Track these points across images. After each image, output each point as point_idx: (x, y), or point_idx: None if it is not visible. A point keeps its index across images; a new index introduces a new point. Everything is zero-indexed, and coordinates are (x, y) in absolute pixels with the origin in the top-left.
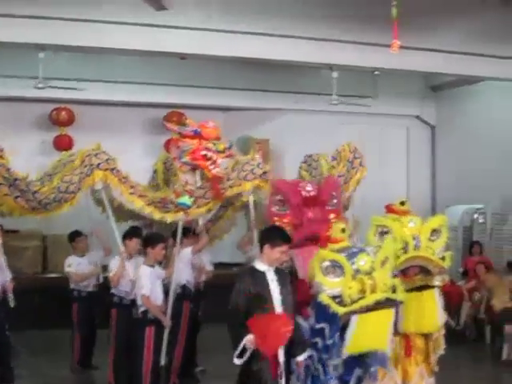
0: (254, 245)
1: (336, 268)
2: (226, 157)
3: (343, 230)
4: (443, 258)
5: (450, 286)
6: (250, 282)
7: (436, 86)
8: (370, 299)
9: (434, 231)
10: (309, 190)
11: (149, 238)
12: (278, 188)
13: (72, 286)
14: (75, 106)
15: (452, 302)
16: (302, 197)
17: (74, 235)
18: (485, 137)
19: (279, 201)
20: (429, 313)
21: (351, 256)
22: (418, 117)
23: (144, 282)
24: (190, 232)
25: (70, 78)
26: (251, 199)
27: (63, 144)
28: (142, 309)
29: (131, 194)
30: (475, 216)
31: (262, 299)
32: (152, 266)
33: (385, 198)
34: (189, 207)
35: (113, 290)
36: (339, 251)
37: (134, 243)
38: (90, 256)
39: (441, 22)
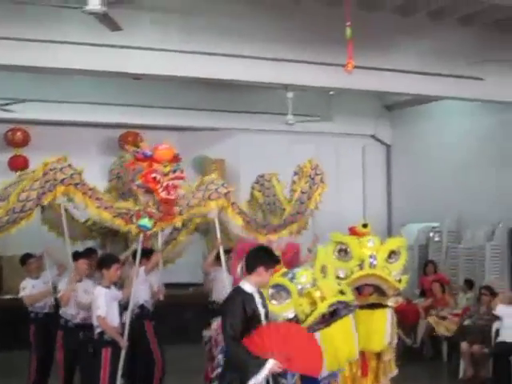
0: (216, 267)
1: (281, 292)
2: (172, 179)
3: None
4: (400, 281)
5: (407, 305)
6: (243, 305)
7: (391, 106)
8: (323, 306)
9: (393, 253)
10: (273, 248)
11: (103, 259)
12: (242, 253)
13: (29, 308)
14: (30, 126)
15: (408, 321)
16: None
17: (25, 258)
18: (440, 155)
19: (242, 267)
20: (377, 331)
21: (292, 275)
22: (373, 136)
23: (100, 303)
24: (149, 253)
25: (25, 98)
26: (216, 219)
27: (18, 165)
28: (98, 330)
29: (98, 207)
30: (431, 234)
31: (256, 320)
32: (108, 287)
33: (341, 217)
34: (149, 229)
35: (60, 312)
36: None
37: (81, 264)
38: (45, 276)
39: (395, 41)
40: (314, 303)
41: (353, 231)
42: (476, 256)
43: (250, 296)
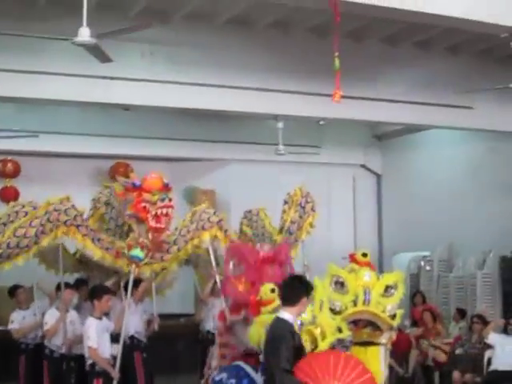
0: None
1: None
2: (160, 208)
3: (273, 290)
4: (394, 316)
5: (398, 334)
6: (292, 336)
7: (381, 135)
8: (324, 346)
9: (389, 287)
10: (266, 249)
11: (94, 290)
12: (234, 251)
13: (20, 339)
14: (21, 157)
15: (400, 350)
16: (260, 256)
17: (14, 289)
18: (430, 184)
19: (234, 264)
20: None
21: None
22: (363, 165)
23: (91, 334)
24: (137, 283)
25: (15, 129)
26: (211, 248)
27: (9, 196)
28: (89, 361)
29: (101, 249)
30: (422, 263)
31: (301, 351)
32: (99, 318)
33: (332, 246)
34: (141, 260)
35: (45, 343)
36: (275, 311)
37: (67, 294)
38: (34, 307)
39: (384, 71)
40: (314, 340)
41: (353, 258)
42: (467, 285)
43: (292, 327)
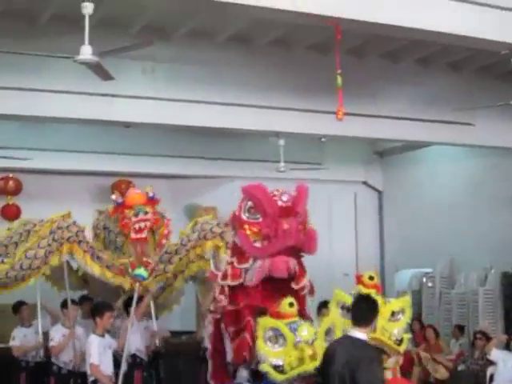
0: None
1: (278, 337)
2: (137, 222)
3: (291, 304)
4: (401, 341)
5: None
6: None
7: (382, 152)
8: (309, 366)
9: (396, 312)
10: (285, 200)
11: (96, 307)
12: (251, 194)
13: (20, 356)
14: (22, 174)
15: (402, 367)
16: (278, 206)
17: (18, 305)
18: (431, 201)
19: (250, 208)
20: None
21: (295, 324)
22: (364, 182)
23: (92, 351)
24: (139, 301)
25: (16, 147)
26: (212, 260)
27: (11, 213)
28: (91, 378)
29: (100, 266)
30: (424, 280)
31: None
32: (102, 336)
33: (334, 263)
34: (145, 279)
35: (52, 359)
36: (286, 323)
37: (72, 311)
38: (36, 325)
39: (385, 88)
40: (302, 359)
41: (359, 280)
42: (469, 301)
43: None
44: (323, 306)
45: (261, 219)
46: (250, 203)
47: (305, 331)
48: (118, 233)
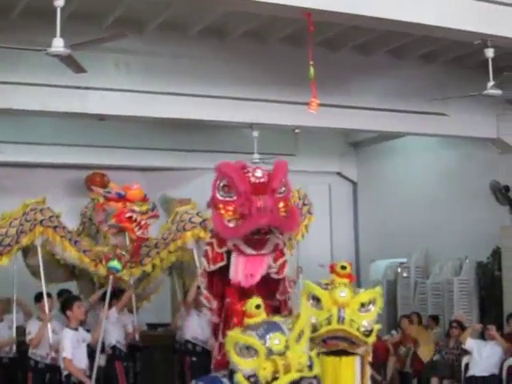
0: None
1: (250, 349)
2: (150, 217)
3: (258, 307)
4: (370, 332)
5: (376, 342)
6: None
7: (356, 143)
8: (284, 380)
9: (365, 304)
10: (258, 176)
11: (64, 302)
12: (223, 172)
13: None
14: None
15: (378, 357)
16: (251, 184)
17: None
18: (406, 191)
19: (224, 186)
20: (344, 382)
21: (265, 332)
22: (339, 173)
23: (65, 345)
24: (120, 293)
25: None
26: (195, 250)
27: None
28: (65, 372)
29: (78, 251)
30: (399, 270)
31: None
32: (75, 329)
33: (309, 254)
34: (118, 271)
35: (29, 354)
36: (254, 327)
37: (43, 304)
38: (9, 320)
39: (358, 79)
40: (276, 371)
41: (333, 269)
42: (444, 291)
43: None
44: None
45: (235, 198)
46: (223, 182)
47: (277, 340)
48: (105, 224)
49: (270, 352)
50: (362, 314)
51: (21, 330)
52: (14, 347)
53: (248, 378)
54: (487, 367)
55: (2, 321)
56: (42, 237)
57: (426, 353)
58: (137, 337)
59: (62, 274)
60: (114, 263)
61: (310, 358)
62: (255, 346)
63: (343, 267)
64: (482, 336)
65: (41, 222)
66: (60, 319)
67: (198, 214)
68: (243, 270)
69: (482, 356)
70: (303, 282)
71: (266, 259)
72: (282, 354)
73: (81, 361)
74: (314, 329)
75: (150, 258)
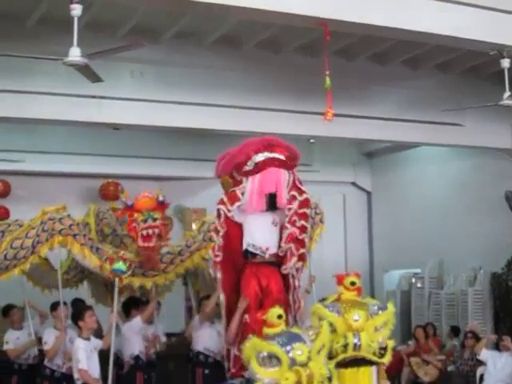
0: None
1: (272, 358)
2: (145, 229)
3: (280, 317)
4: (385, 349)
5: None
6: None
7: (371, 153)
8: None
9: (378, 327)
10: None
11: (74, 313)
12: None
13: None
14: (11, 177)
15: (392, 368)
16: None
17: (8, 309)
18: (420, 201)
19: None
20: None
21: (288, 342)
22: (353, 183)
23: (80, 356)
24: (141, 303)
25: (5, 149)
26: None
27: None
28: (79, 382)
29: (99, 259)
30: (413, 280)
31: None
32: (87, 339)
33: (323, 264)
34: (123, 273)
35: (45, 363)
36: (275, 337)
37: (59, 312)
38: (28, 327)
39: (373, 89)
40: (299, 382)
41: (340, 281)
42: (458, 301)
43: None
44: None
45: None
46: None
47: (299, 351)
48: (122, 234)
49: (292, 362)
50: (377, 333)
51: (38, 337)
52: (36, 350)
53: None
54: (502, 378)
55: (22, 328)
56: (60, 246)
57: (425, 373)
58: (158, 347)
59: (55, 280)
60: (119, 265)
61: (329, 369)
62: (279, 355)
63: (353, 283)
64: (497, 347)
65: (60, 231)
66: (75, 328)
67: None
68: (257, 189)
69: (497, 367)
70: (315, 305)
71: (281, 173)
72: (304, 365)
73: (94, 370)
74: (330, 354)
75: (174, 266)
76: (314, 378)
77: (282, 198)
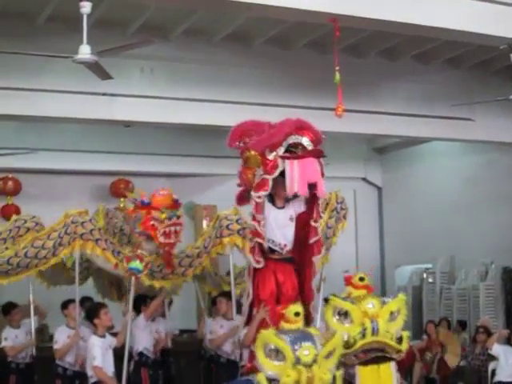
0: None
1: (279, 352)
2: (169, 226)
3: (297, 314)
4: (400, 339)
5: None
6: None
7: (381, 148)
8: None
9: (393, 313)
10: None
11: (89, 310)
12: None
13: (9, 358)
14: (21, 174)
15: (404, 363)
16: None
17: (10, 308)
18: (430, 197)
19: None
20: None
21: (297, 340)
22: (364, 179)
23: (95, 354)
24: (148, 299)
25: (15, 146)
26: (231, 258)
27: (10, 213)
28: (92, 380)
29: (121, 262)
30: (424, 276)
31: None
32: (103, 336)
33: (333, 259)
34: (140, 272)
35: (57, 361)
36: (289, 333)
37: (71, 310)
38: (26, 325)
39: (384, 85)
40: (298, 382)
41: (349, 281)
42: (470, 296)
43: None
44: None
45: None
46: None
47: (306, 351)
48: (130, 233)
49: (297, 360)
50: (391, 323)
51: (38, 333)
52: (33, 350)
53: (270, 380)
54: None
55: (20, 327)
56: (80, 250)
57: (452, 358)
58: (169, 342)
59: (65, 278)
60: (136, 264)
61: (335, 377)
62: (284, 351)
63: (361, 279)
64: (509, 342)
65: (81, 235)
66: (86, 325)
67: (237, 221)
68: (299, 175)
69: (509, 362)
70: (330, 298)
71: (317, 163)
72: (308, 366)
73: (109, 368)
74: (347, 344)
75: (193, 268)
76: (314, 381)
77: (322, 187)
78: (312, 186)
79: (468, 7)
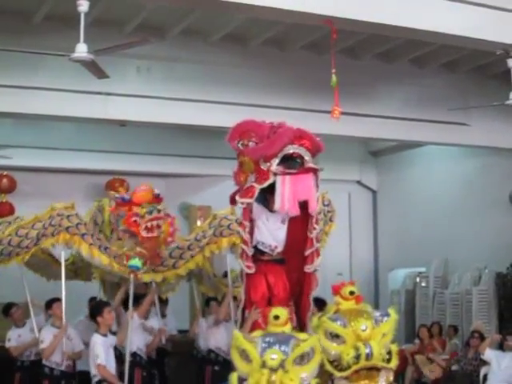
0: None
1: (248, 355)
2: (150, 221)
3: (276, 317)
4: (389, 353)
5: None
6: None
7: (376, 152)
8: None
9: (385, 334)
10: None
11: (93, 308)
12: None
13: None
14: (16, 172)
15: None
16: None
17: (8, 308)
18: (425, 200)
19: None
20: None
21: (270, 345)
22: (359, 182)
23: (98, 352)
24: (142, 299)
25: (10, 144)
26: (229, 258)
27: (4, 211)
28: (96, 379)
29: (108, 257)
30: (417, 280)
31: None
32: (105, 335)
33: (327, 262)
34: (139, 269)
35: (44, 361)
36: (267, 336)
37: (55, 309)
38: (31, 323)
39: (380, 88)
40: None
41: (336, 291)
42: (463, 301)
43: None
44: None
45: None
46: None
47: (274, 355)
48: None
49: (263, 364)
50: (382, 339)
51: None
52: (36, 350)
53: (241, 380)
54: (506, 378)
55: (24, 325)
56: (65, 244)
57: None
58: (163, 340)
59: (59, 272)
60: (135, 261)
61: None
62: (250, 354)
63: (352, 292)
64: (501, 347)
65: (67, 228)
66: (74, 326)
67: (236, 220)
68: (290, 193)
69: (501, 367)
70: (321, 319)
71: (312, 179)
72: (274, 370)
73: (111, 366)
74: (340, 365)
75: (184, 261)
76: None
77: (314, 204)
78: (304, 201)
79: (465, 12)
